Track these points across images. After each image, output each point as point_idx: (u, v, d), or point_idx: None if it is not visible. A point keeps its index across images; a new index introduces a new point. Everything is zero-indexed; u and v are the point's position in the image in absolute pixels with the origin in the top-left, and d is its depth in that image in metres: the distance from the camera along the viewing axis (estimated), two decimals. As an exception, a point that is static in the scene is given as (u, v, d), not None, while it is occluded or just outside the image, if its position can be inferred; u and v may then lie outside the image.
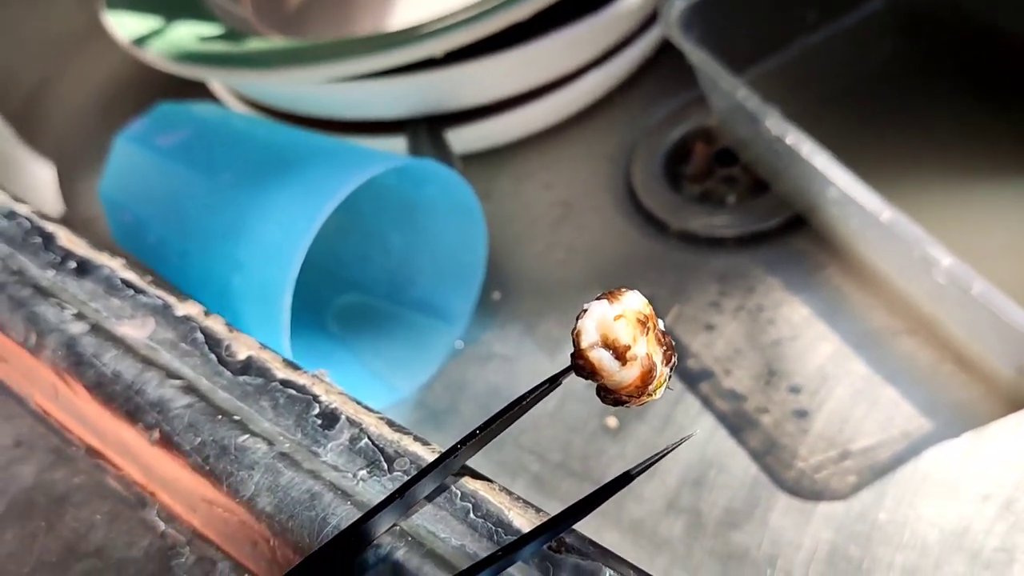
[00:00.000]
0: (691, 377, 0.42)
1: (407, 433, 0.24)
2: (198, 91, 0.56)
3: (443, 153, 0.47)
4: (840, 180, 0.37)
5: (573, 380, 0.44)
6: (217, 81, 0.54)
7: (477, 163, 0.51)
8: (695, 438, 0.40)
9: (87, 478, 0.26)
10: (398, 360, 0.47)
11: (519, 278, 0.48)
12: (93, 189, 0.48)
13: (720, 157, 0.49)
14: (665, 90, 0.53)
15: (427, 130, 0.49)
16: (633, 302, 0.21)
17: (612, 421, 0.42)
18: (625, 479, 0.20)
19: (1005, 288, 0.33)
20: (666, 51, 0.54)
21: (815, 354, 0.42)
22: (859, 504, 0.37)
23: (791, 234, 0.46)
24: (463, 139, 0.50)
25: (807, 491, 0.38)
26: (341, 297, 0.49)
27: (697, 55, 0.42)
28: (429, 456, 0.24)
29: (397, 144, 0.50)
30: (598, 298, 0.21)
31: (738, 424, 0.40)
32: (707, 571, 0.37)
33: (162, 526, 0.25)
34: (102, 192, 0.46)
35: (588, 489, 0.40)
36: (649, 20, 0.51)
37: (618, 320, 0.21)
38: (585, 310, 0.21)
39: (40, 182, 0.56)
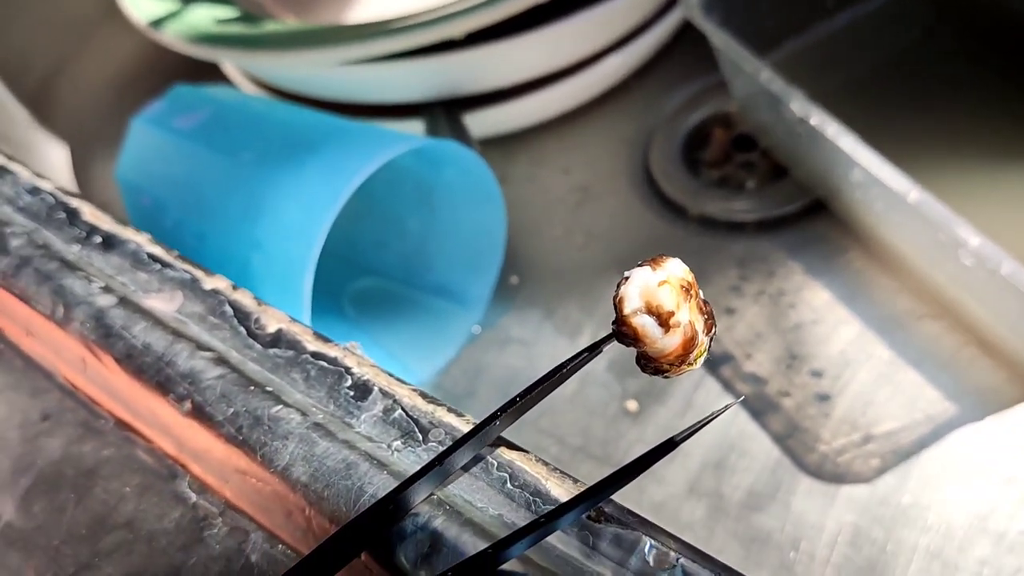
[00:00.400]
0: (712, 361, 0.42)
1: (441, 404, 0.24)
2: (212, 76, 0.55)
3: (462, 137, 0.47)
4: (866, 161, 0.37)
5: (593, 363, 0.44)
6: (233, 63, 0.54)
7: (495, 147, 0.51)
8: (716, 421, 0.40)
9: (116, 451, 0.26)
10: (415, 344, 0.46)
11: (537, 262, 0.48)
12: (108, 173, 0.48)
13: (738, 143, 0.49)
14: (683, 75, 0.52)
15: (445, 114, 0.48)
16: (676, 269, 0.21)
17: (632, 405, 0.42)
18: (669, 445, 0.20)
19: (1033, 270, 0.33)
20: (684, 36, 0.54)
21: (837, 338, 0.41)
22: (883, 487, 0.37)
23: (811, 219, 0.45)
24: (481, 123, 0.50)
25: (830, 474, 0.38)
26: (358, 282, 0.49)
27: (720, 37, 0.42)
28: (464, 427, 0.23)
29: (414, 128, 0.49)
30: (640, 265, 0.21)
31: (760, 408, 0.40)
32: (730, 554, 0.37)
33: (193, 497, 0.25)
34: (119, 175, 0.46)
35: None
36: (668, 3, 0.51)
37: (662, 286, 0.20)
38: (627, 277, 0.21)
39: (55, 166, 0.56)
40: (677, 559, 0.20)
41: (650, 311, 0.20)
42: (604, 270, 0.47)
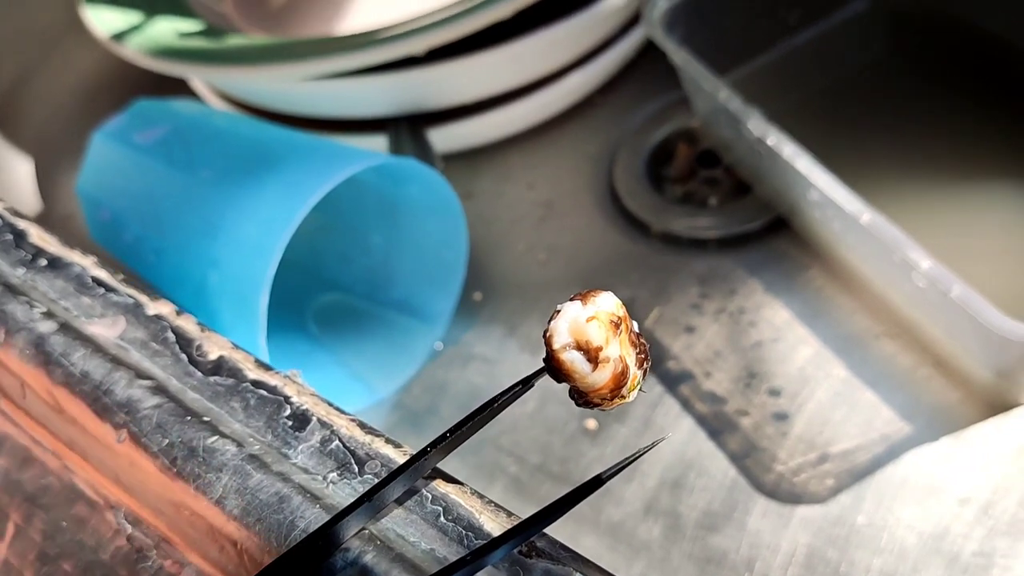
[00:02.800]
0: (671, 379, 0.42)
1: (379, 435, 0.24)
2: (178, 89, 0.55)
3: (424, 152, 0.47)
4: (821, 182, 0.37)
5: (553, 382, 0.44)
6: (197, 77, 0.54)
7: (459, 163, 0.51)
8: (674, 440, 0.40)
9: (55, 479, 0.26)
10: (377, 361, 0.46)
11: (501, 279, 0.48)
12: (71, 186, 0.48)
13: (703, 159, 0.49)
14: (648, 91, 0.52)
15: (408, 129, 0.48)
16: (606, 303, 0.21)
17: (591, 423, 0.42)
18: (596, 483, 0.20)
19: (984, 292, 0.33)
20: (649, 52, 0.54)
21: (796, 357, 0.41)
22: (837, 507, 0.37)
23: (773, 236, 0.45)
24: (445, 138, 0.50)
25: (786, 494, 0.38)
26: (320, 296, 0.49)
27: (680, 55, 0.42)
28: (401, 459, 0.23)
29: (378, 143, 0.49)
30: (571, 299, 0.21)
31: (718, 427, 0.40)
32: (685, 575, 0.37)
33: (129, 529, 0.25)
34: (79, 189, 0.46)
35: (566, 491, 0.40)
36: (632, 21, 0.51)
37: (590, 322, 0.20)
38: (558, 311, 0.21)
39: (17, 179, 0.56)
40: (607, 597, 0.20)
41: (579, 347, 0.20)
42: (567, 287, 0.46)
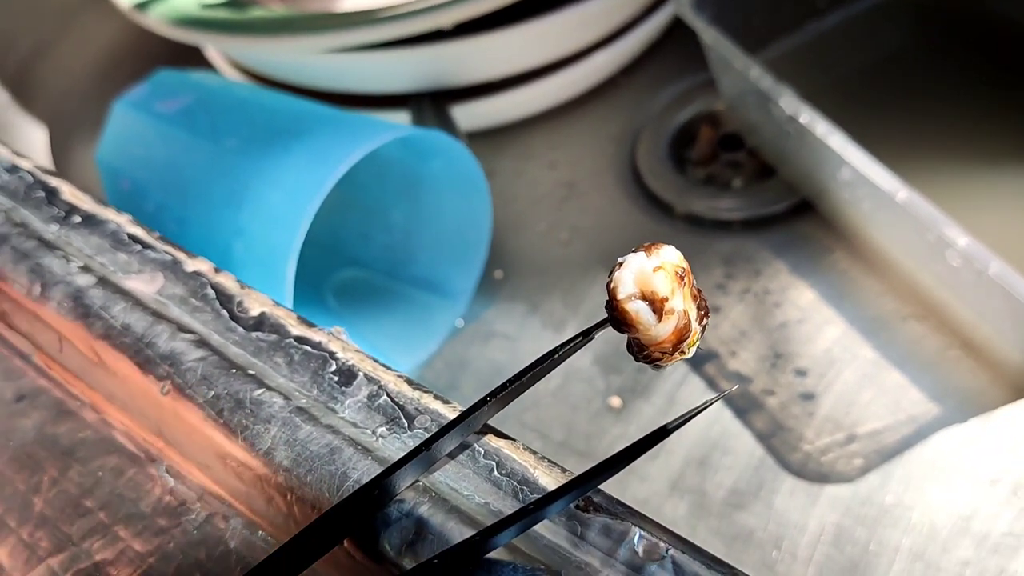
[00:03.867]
0: (697, 359, 0.42)
1: (427, 391, 0.24)
2: (196, 62, 0.55)
3: (449, 128, 0.47)
4: (855, 160, 0.37)
5: (577, 359, 0.43)
6: (218, 48, 0.53)
7: (481, 141, 0.51)
8: (699, 419, 0.40)
9: (92, 433, 0.26)
10: (398, 337, 0.46)
11: (522, 257, 0.47)
12: (87, 158, 0.47)
13: (725, 142, 0.49)
14: (671, 73, 0.52)
15: (431, 105, 0.48)
16: (671, 255, 0.21)
17: (615, 401, 0.41)
18: (661, 434, 0.20)
19: (1019, 271, 0.33)
20: (673, 34, 0.53)
21: (822, 338, 0.41)
22: (866, 487, 0.37)
23: (797, 219, 0.45)
24: (468, 116, 0.49)
25: (813, 473, 0.38)
26: (341, 272, 0.48)
27: (709, 34, 0.42)
28: (450, 414, 0.23)
29: (400, 119, 0.49)
30: (634, 250, 0.21)
31: (744, 406, 0.40)
32: (712, 551, 0.36)
33: (171, 482, 0.24)
34: (99, 158, 0.45)
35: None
36: (658, 1, 0.51)
37: (657, 272, 0.20)
38: (621, 262, 0.21)
39: (34, 148, 0.55)
40: (667, 550, 0.20)
41: (644, 297, 0.20)
42: (589, 266, 0.46)
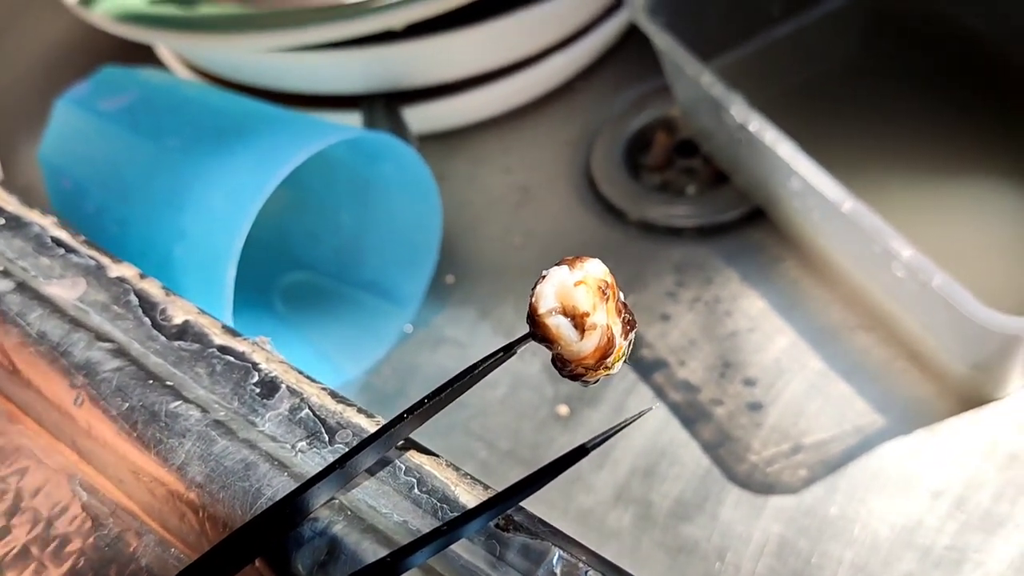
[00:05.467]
0: (645, 367, 0.41)
1: (350, 404, 0.23)
2: (145, 59, 0.54)
3: (400, 130, 0.46)
4: (803, 169, 0.36)
5: (526, 366, 0.43)
6: (166, 45, 0.52)
7: (434, 144, 0.50)
8: (647, 428, 0.39)
9: (6, 442, 0.25)
10: (345, 341, 0.45)
11: (474, 262, 0.47)
12: (32, 155, 0.46)
13: (681, 148, 0.49)
14: (627, 79, 0.52)
15: (384, 106, 0.47)
16: (594, 269, 0.20)
17: (563, 409, 0.41)
18: (580, 452, 0.19)
19: (963, 284, 0.33)
20: (629, 40, 0.53)
21: (771, 347, 0.41)
22: (810, 498, 0.37)
23: (750, 227, 0.45)
24: (420, 118, 0.49)
25: (758, 484, 0.37)
26: (288, 275, 0.48)
27: (663, 39, 0.41)
28: (373, 428, 0.22)
29: (351, 120, 0.48)
30: (558, 264, 0.20)
31: (691, 415, 0.39)
32: (656, 564, 0.36)
33: (85, 496, 0.23)
34: (41, 156, 0.44)
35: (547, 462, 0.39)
36: (614, 4, 0.50)
37: (578, 286, 0.20)
38: (544, 276, 0.20)
39: (-24, 146, 0.54)
40: (586, 572, 0.20)
41: (565, 312, 0.20)
42: (542, 271, 0.46)
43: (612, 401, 0.41)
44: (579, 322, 0.20)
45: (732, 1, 0.47)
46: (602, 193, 0.48)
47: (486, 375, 0.21)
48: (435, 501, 0.21)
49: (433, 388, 0.43)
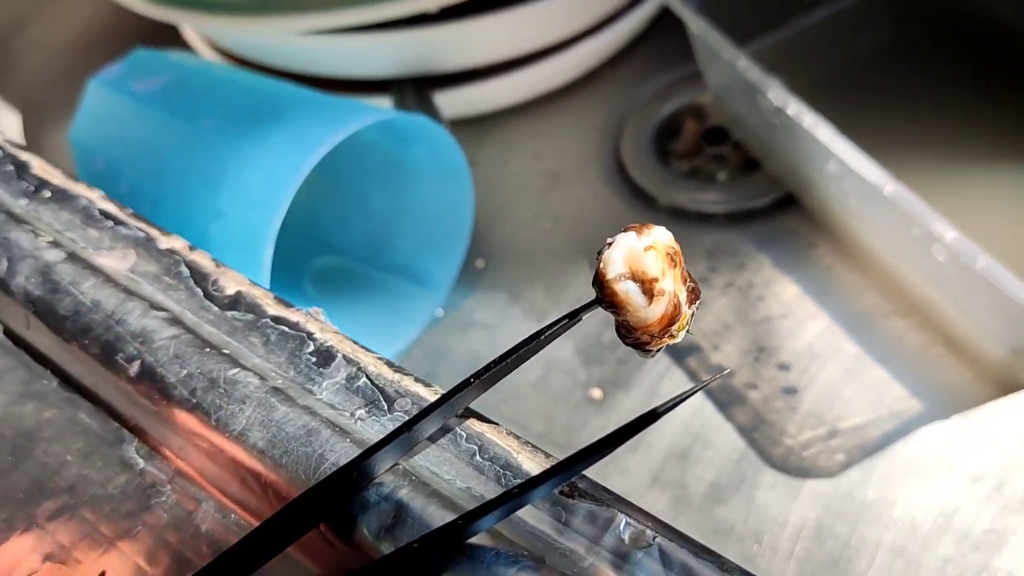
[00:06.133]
0: (679, 351, 0.41)
1: (408, 374, 0.23)
2: (173, 43, 0.54)
3: (432, 114, 0.46)
4: (842, 152, 0.36)
5: (558, 350, 0.43)
6: (195, 28, 0.52)
7: (464, 129, 0.50)
8: (680, 412, 0.39)
9: (59, 412, 0.25)
10: (376, 325, 0.45)
11: (503, 246, 0.47)
12: (59, 138, 0.46)
13: (710, 135, 0.49)
14: (657, 65, 0.52)
15: (414, 91, 0.47)
16: (662, 236, 0.20)
17: (596, 393, 0.41)
18: (651, 417, 0.19)
19: (1005, 266, 0.33)
20: (659, 25, 0.53)
21: (805, 332, 0.41)
22: (847, 482, 0.37)
23: (782, 213, 0.45)
24: (451, 103, 0.49)
25: (795, 468, 0.37)
26: (319, 259, 0.48)
27: (697, 24, 0.41)
28: (431, 397, 0.22)
29: (382, 104, 0.48)
30: (624, 230, 0.20)
31: (726, 399, 0.39)
32: (692, 545, 0.36)
33: (141, 463, 0.23)
34: (72, 137, 0.44)
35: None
36: (645, -9, 0.50)
37: (647, 252, 0.19)
38: (611, 242, 0.20)
39: (7, 127, 0.54)
40: (654, 537, 0.20)
41: (634, 277, 0.19)
42: (571, 256, 0.46)
43: (645, 386, 0.41)
44: (647, 288, 0.19)
45: (765, -13, 0.47)
46: (631, 179, 0.48)
47: (551, 342, 0.21)
48: (497, 468, 0.21)
49: (462, 372, 0.43)
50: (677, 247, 0.20)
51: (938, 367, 0.39)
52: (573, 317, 0.21)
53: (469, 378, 0.20)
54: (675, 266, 0.20)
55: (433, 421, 0.21)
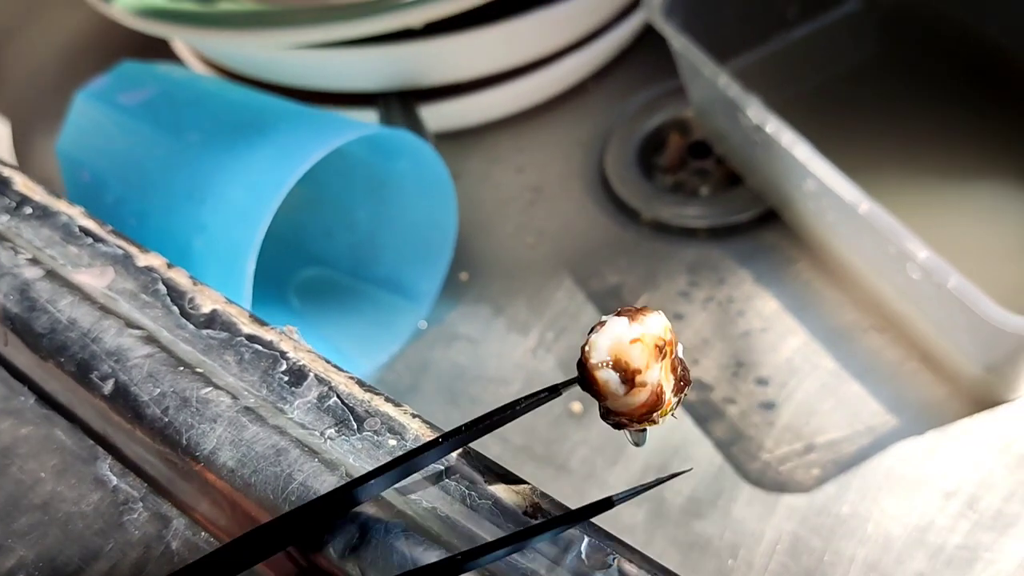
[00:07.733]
0: (658, 365, 0.41)
1: (378, 393, 0.23)
2: (162, 55, 0.54)
3: (416, 128, 0.46)
4: (819, 170, 0.37)
5: (539, 363, 0.43)
6: (184, 41, 0.53)
7: (448, 143, 0.51)
8: (660, 426, 0.40)
9: (35, 429, 0.25)
10: (360, 337, 0.45)
11: (487, 260, 0.47)
12: (48, 150, 0.46)
13: (694, 150, 0.49)
14: (641, 80, 0.52)
15: (399, 104, 0.47)
16: (654, 326, 0.20)
17: (576, 406, 0.41)
18: (606, 504, 0.19)
19: (978, 286, 0.33)
20: (643, 41, 0.53)
21: (783, 347, 0.41)
22: (823, 497, 0.37)
23: (763, 228, 0.45)
24: (436, 117, 0.49)
25: (771, 482, 0.38)
26: (304, 271, 0.48)
27: (679, 41, 0.42)
28: (401, 417, 0.23)
29: (368, 117, 0.48)
30: (618, 313, 0.20)
31: (704, 414, 0.40)
32: (668, 560, 0.36)
33: (114, 481, 0.24)
34: (59, 149, 0.44)
35: (550, 473, 0.40)
36: (630, 6, 0.51)
37: (634, 344, 0.19)
38: (602, 323, 0.20)
39: (-7, 138, 0.54)
40: (613, 559, 0.20)
41: (616, 367, 0.19)
42: (555, 270, 0.46)
43: (625, 399, 0.41)
44: (628, 377, 0.19)
45: (747, 4, 0.48)
46: (615, 193, 0.48)
47: (528, 412, 0.21)
48: (463, 488, 0.21)
49: (445, 385, 0.43)
50: (670, 336, 0.20)
51: (914, 383, 0.39)
52: (553, 391, 0.21)
53: (438, 437, 0.21)
54: (664, 356, 0.20)
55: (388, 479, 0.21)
